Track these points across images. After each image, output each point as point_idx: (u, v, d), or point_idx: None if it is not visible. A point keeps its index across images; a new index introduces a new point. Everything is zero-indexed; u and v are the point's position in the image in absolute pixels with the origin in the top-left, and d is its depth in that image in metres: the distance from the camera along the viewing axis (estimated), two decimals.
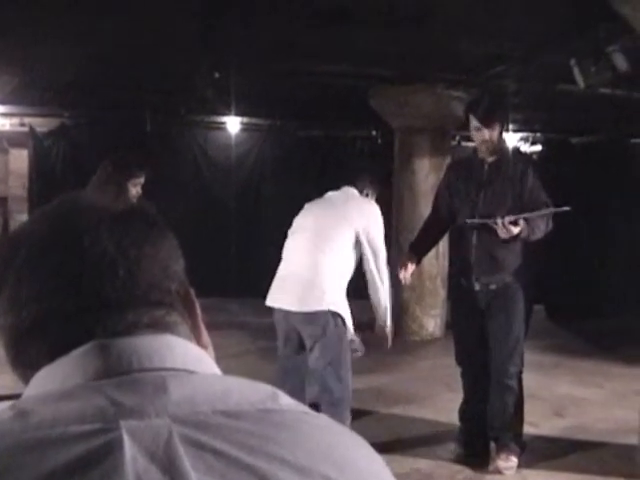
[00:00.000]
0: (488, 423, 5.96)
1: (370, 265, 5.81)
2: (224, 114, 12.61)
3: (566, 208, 5.46)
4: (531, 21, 6.97)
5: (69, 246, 0.97)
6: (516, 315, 5.74)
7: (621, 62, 6.89)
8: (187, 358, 0.96)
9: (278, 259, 6.10)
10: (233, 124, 13.33)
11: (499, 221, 5.40)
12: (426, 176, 10.81)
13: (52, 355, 0.93)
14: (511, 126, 12.69)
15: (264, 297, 5.94)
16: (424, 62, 8.99)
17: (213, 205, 13.85)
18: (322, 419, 0.95)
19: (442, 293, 11.14)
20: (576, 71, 7.43)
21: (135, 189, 6.32)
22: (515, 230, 5.39)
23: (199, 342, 1.05)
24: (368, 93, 10.77)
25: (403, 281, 6.08)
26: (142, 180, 6.39)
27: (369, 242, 5.77)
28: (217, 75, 8.88)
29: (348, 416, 5.66)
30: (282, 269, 6.00)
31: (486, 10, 6.67)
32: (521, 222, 5.42)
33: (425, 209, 10.62)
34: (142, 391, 0.87)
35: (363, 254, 5.78)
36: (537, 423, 6.93)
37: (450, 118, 10.67)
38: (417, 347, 10.30)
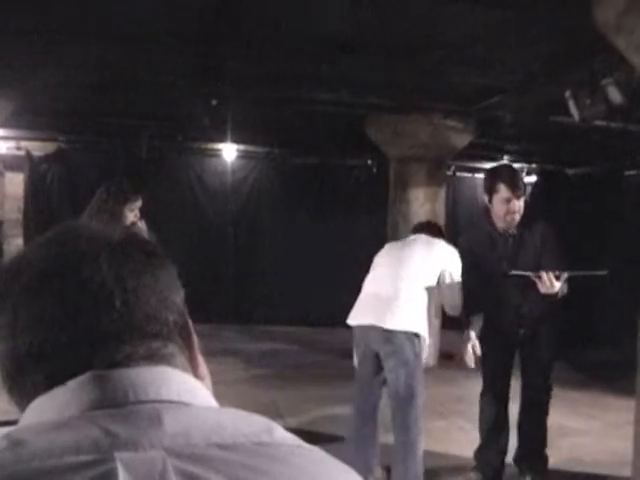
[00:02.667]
0: (519, 453, 6.27)
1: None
2: (220, 141, 12.64)
3: (603, 272, 5.57)
4: (527, 53, 7.01)
5: (68, 276, 0.96)
6: (550, 349, 6.07)
7: (615, 95, 6.93)
8: (183, 390, 0.96)
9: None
10: (229, 151, 13.36)
11: (543, 274, 5.42)
12: (421, 205, 10.83)
13: (48, 385, 0.93)
14: (506, 157, 12.75)
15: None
16: (420, 92, 9.03)
17: (209, 232, 13.88)
18: (316, 453, 0.94)
19: (436, 323, 11.11)
20: (571, 103, 7.47)
21: (132, 214, 6.31)
22: (557, 285, 5.41)
23: (196, 373, 1.05)
24: (364, 122, 10.80)
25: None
26: (139, 204, 6.38)
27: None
28: (214, 102, 8.91)
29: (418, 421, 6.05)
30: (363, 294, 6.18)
31: (482, 42, 6.71)
32: (563, 277, 5.47)
33: None
34: (137, 423, 0.87)
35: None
36: None
37: (446, 148, 10.71)
38: None
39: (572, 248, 13.15)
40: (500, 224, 5.78)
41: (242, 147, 13.36)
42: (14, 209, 13.63)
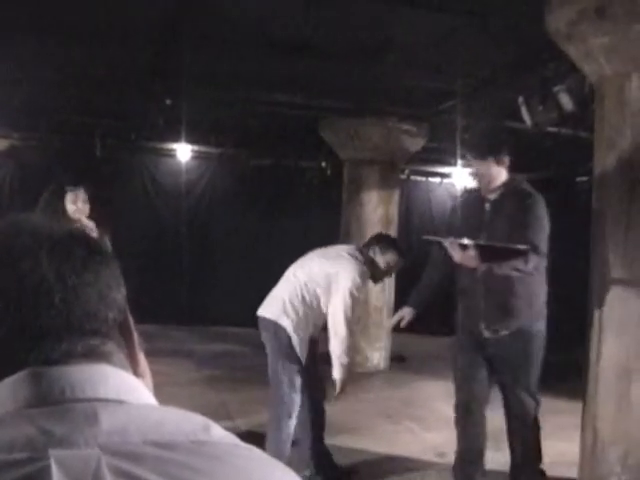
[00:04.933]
0: (511, 462, 5.99)
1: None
2: (175, 141, 12.58)
3: (524, 247, 5.08)
4: (480, 58, 7.08)
5: (8, 270, 0.95)
6: (530, 358, 5.59)
7: (567, 102, 7.02)
8: (121, 388, 0.95)
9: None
10: (184, 151, 13.28)
11: (447, 241, 5.24)
12: (374, 208, 10.88)
13: None
14: (460, 161, 12.83)
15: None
16: (375, 95, 9.07)
17: (162, 232, 13.81)
18: (253, 451, 0.94)
19: (387, 325, 11.17)
20: (523, 109, 7.56)
21: (74, 207, 6.15)
22: (471, 256, 5.08)
23: (136, 371, 1.04)
24: (319, 124, 10.82)
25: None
26: (81, 196, 6.22)
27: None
28: (168, 102, 8.88)
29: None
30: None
31: (436, 46, 6.77)
32: (471, 249, 5.09)
33: None
34: (73, 421, 0.86)
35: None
36: None
37: (399, 151, 10.76)
38: (361, 379, 10.31)
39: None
40: (482, 192, 5.62)
41: (196, 147, 13.31)
42: None
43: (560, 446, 7.23)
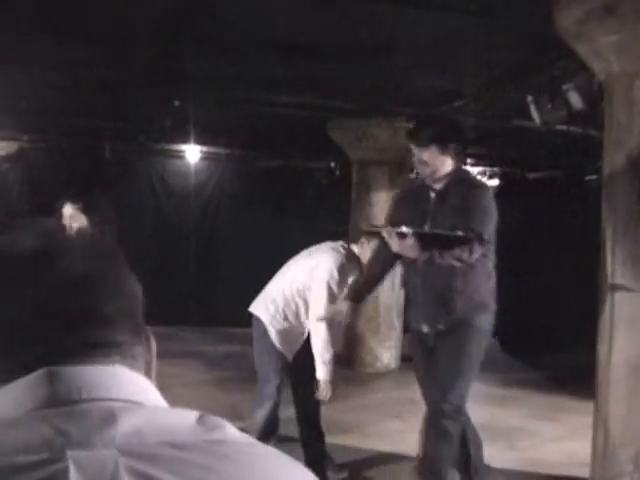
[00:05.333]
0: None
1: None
2: (183, 142, 12.60)
3: (464, 234, 4.86)
4: (488, 57, 7.06)
5: (40, 268, 0.97)
6: (464, 355, 5.24)
7: (576, 100, 7.00)
8: (135, 389, 0.96)
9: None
10: (192, 153, 13.30)
11: (387, 230, 5.04)
12: (383, 208, 10.86)
13: (9, 375, 0.92)
14: (469, 160, 12.81)
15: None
16: (383, 96, 9.06)
17: (171, 233, 13.81)
18: (268, 450, 0.95)
19: (398, 325, 11.15)
20: (532, 108, 7.54)
21: (64, 217, 6.01)
22: (409, 245, 4.90)
23: (148, 373, 1.05)
24: (327, 125, 10.82)
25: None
26: (68, 209, 6.10)
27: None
28: (177, 104, 8.89)
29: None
30: None
31: (444, 46, 6.76)
32: (410, 238, 4.91)
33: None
34: (90, 422, 0.86)
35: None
36: (489, 455, 6.95)
37: (408, 151, 10.72)
38: (371, 379, 10.31)
39: (532, 252, 13.27)
40: (426, 180, 5.41)
41: (205, 149, 13.32)
42: None
43: (571, 446, 7.23)
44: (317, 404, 6.12)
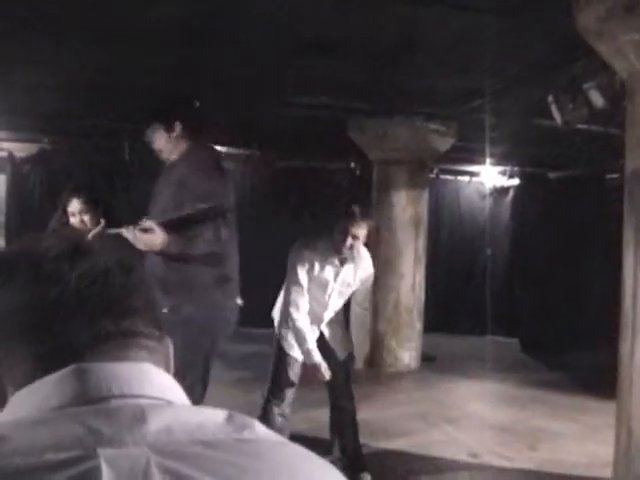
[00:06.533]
0: None
1: None
2: None
3: (203, 206, 4.41)
4: (509, 57, 7.03)
5: (67, 262, 0.98)
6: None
7: (597, 99, 6.97)
8: (163, 387, 0.96)
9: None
10: None
11: (129, 229, 4.26)
12: (404, 208, 10.86)
13: (36, 372, 0.93)
14: (489, 159, 12.78)
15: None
16: (403, 95, 9.05)
17: None
18: (297, 449, 0.95)
19: (418, 325, 11.15)
20: (553, 107, 7.51)
21: (73, 214, 5.90)
22: (147, 241, 4.27)
23: (168, 369, 1.05)
24: (347, 125, 10.81)
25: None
26: (76, 204, 5.95)
27: None
28: (196, 104, 8.89)
29: None
30: None
31: (464, 45, 6.74)
32: (156, 229, 4.29)
33: (403, 241, 10.69)
34: (120, 419, 0.86)
35: None
36: (511, 456, 6.94)
37: (428, 151, 10.74)
38: (392, 379, 10.30)
39: (552, 251, 13.23)
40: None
41: (224, 149, 13.32)
42: None
43: (592, 447, 7.20)
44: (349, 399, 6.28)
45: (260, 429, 0.94)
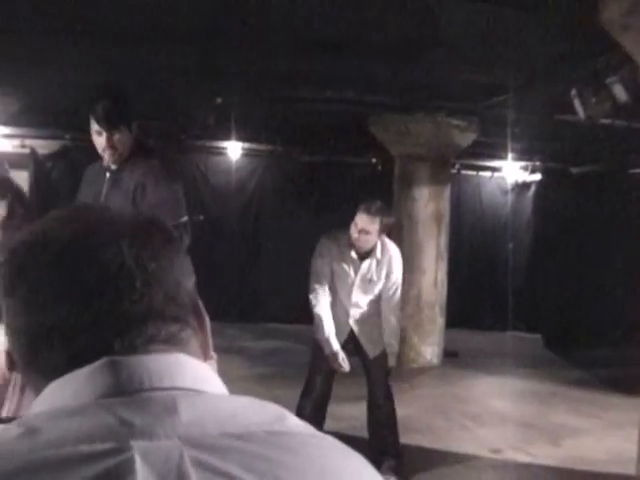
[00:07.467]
0: None
1: None
2: (225, 139, 12.62)
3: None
4: (531, 51, 7.00)
5: (90, 256, 0.96)
6: None
7: (621, 93, 6.92)
8: (197, 377, 0.96)
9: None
10: (234, 149, 13.32)
11: None
12: (425, 204, 10.84)
13: (68, 366, 0.93)
14: (510, 155, 12.74)
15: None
16: (425, 91, 9.02)
17: (213, 230, 13.84)
18: (329, 441, 0.94)
19: (440, 321, 11.13)
20: (576, 102, 7.46)
21: None
22: None
23: (206, 355, 1.05)
24: (369, 121, 10.79)
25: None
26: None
27: None
28: (218, 101, 8.91)
29: None
30: None
31: (486, 40, 6.71)
32: None
33: (424, 237, 10.67)
34: (152, 411, 0.86)
35: None
36: (533, 452, 6.92)
37: (450, 146, 10.72)
38: (414, 375, 10.28)
39: (577, 247, 13.17)
40: (104, 162, 4.84)
41: (246, 145, 13.34)
42: None
43: (615, 443, 7.17)
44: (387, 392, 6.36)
45: (292, 421, 0.94)
